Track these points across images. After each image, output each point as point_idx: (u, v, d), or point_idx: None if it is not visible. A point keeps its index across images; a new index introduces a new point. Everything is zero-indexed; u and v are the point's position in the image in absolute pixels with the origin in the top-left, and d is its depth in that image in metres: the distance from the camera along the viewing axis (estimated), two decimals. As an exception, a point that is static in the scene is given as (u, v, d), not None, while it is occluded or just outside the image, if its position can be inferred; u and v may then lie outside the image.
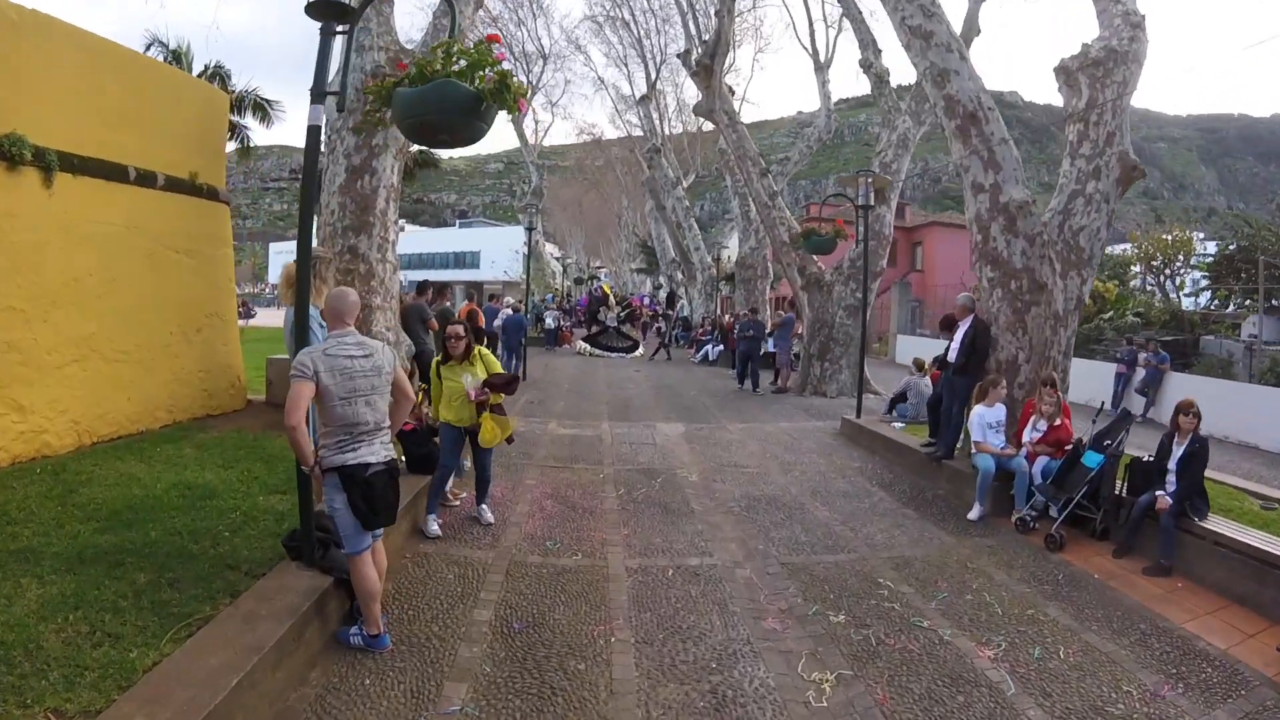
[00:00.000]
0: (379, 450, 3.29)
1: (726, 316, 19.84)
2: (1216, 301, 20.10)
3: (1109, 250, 37.06)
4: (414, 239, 70.95)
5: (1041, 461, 6.06)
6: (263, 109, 18.70)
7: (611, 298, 22.23)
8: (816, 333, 13.09)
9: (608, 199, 48.30)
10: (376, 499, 3.23)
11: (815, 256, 13.24)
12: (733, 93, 16.20)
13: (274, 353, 8.84)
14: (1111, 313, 21.19)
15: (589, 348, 20.62)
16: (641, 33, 28.02)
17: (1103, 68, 7.34)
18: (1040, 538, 5.40)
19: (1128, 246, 31.54)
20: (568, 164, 53.13)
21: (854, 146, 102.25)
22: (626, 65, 31.25)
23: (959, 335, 7.01)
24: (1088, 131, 7.38)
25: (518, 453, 7.38)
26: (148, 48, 19.53)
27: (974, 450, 6.24)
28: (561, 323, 22.67)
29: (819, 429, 9.64)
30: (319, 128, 3.38)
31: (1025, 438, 6.31)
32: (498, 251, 47.95)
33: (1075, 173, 7.40)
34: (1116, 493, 5.56)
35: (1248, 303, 17.82)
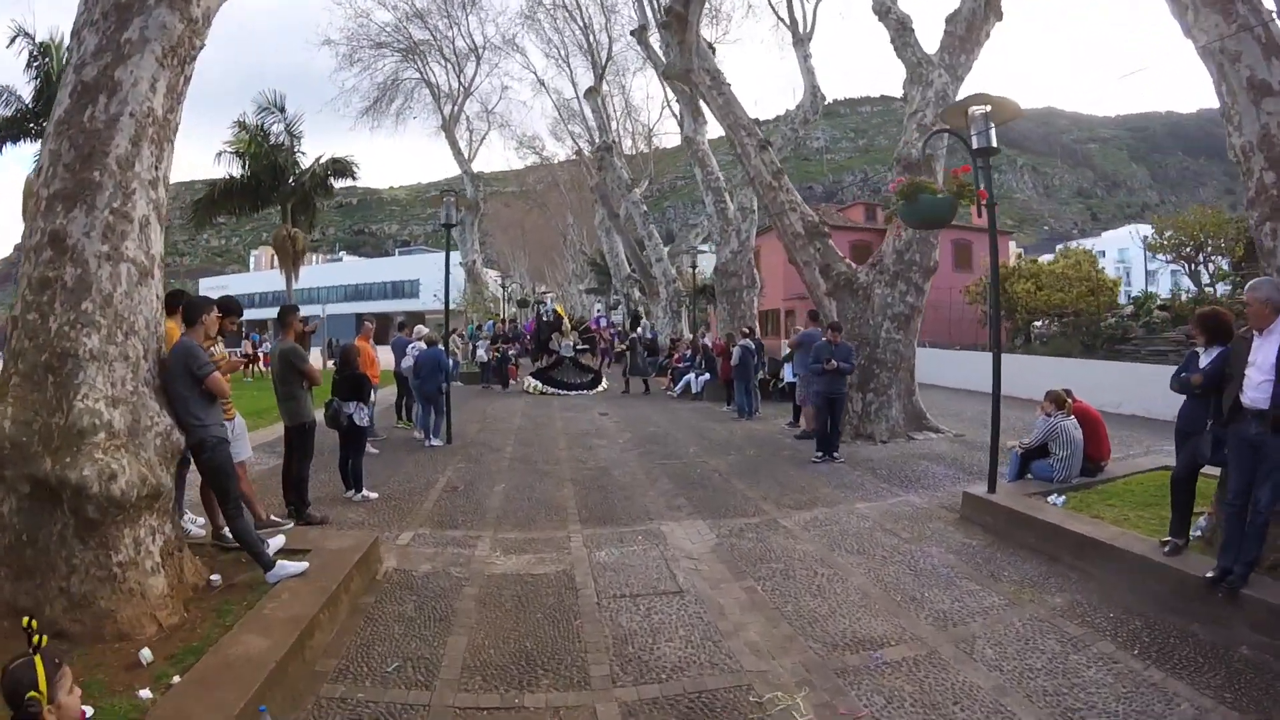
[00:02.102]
0: None
1: (707, 338, 16.08)
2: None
3: (1082, 242, 34.98)
4: (350, 269, 66.29)
5: None
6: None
7: (566, 322, 18.23)
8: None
9: (552, 219, 44.49)
10: None
11: (843, 252, 9.79)
12: (713, 50, 12.75)
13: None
14: (1133, 307, 18.59)
15: (539, 385, 16.47)
16: (587, 21, 24.90)
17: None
18: None
19: (1137, 229, 29.43)
20: (510, 189, 49.22)
21: (795, 161, 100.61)
22: (569, 65, 27.65)
23: (1266, 356, 3.47)
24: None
25: (411, 651, 3.50)
26: (11, 41, 15.34)
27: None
28: (510, 354, 18.63)
29: (923, 512, 5.97)
30: None
31: None
32: (439, 279, 43.46)
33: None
34: None
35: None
